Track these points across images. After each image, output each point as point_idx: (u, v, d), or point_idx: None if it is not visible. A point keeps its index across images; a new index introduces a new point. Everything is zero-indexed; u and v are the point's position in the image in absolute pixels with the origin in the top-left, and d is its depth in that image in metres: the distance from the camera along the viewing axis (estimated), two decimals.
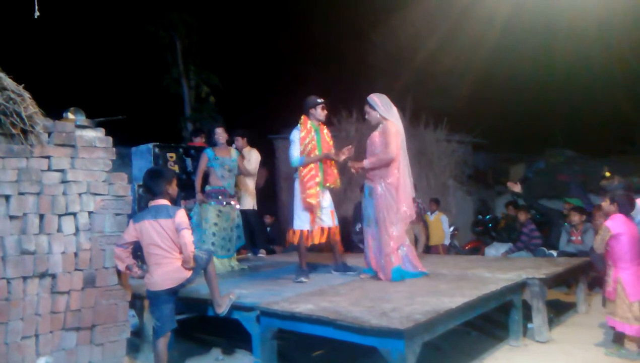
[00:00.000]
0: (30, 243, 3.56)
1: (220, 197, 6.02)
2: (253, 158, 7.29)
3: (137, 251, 3.96)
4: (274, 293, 4.46)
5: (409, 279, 4.90)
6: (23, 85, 3.62)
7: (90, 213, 3.90)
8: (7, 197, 3.50)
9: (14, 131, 3.50)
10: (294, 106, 5.80)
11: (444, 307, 3.65)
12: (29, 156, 3.62)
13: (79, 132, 3.93)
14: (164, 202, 3.88)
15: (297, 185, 5.33)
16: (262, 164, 7.61)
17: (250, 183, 7.26)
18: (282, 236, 9.25)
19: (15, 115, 3.49)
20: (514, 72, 13.90)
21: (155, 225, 3.76)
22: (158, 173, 4.11)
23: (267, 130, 12.43)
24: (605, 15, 12.13)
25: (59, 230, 3.73)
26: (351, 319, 3.43)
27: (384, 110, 5.11)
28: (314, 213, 5.23)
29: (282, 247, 8.73)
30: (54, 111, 3.98)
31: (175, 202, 4.16)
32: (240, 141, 7.29)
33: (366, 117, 5.28)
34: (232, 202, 6.15)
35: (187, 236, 3.77)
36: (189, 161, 7.14)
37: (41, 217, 3.65)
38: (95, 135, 4.01)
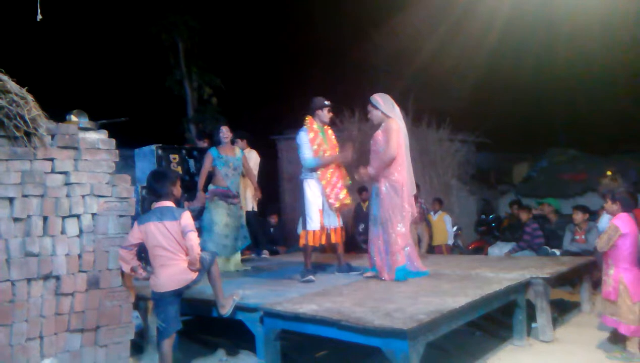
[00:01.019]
0: (34, 245, 3.57)
1: (226, 197, 6.02)
2: (253, 159, 7.30)
3: (141, 253, 3.97)
4: (277, 294, 4.46)
5: (412, 279, 4.90)
6: (26, 87, 3.63)
7: (93, 215, 3.90)
8: (11, 200, 3.51)
9: (17, 134, 3.51)
10: (296, 107, 5.81)
11: (447, 307, 3.65)
12: (32, 158, 3.63)
13: (82, 135, 3.93)
14: (168, 203, 3.89)
15: (306, 186, 5.30)
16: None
17: (250, 185, 7.27)
18: (285, 236, 9.27)
19: (18, 118, 3.49)
20: (516, 71, 13.90)
21: (160, 227, 3.77)
22: (162, 174, 4.12)
23: (269, 131, 12.46)
24: (607, 13, 12.10)
25: (63, 232, 3.74)
26: (355, 320, 3.43)
27: (387, 108, 5.14)
28: (323, 213, 5.26)
29: (286, 247, 8.74)
30: (57, 113, 3.99)
31: (178, 203, 4.17)
32: (240, 143, 7.29)
33: (369, 116, 5.31)
34: (237, 202, 6.15)
35: (194, 238, 3.78)
36: (191, 162, 7.15)
37: (45, 219, 3.66)
38: (98, 137, 4.02)
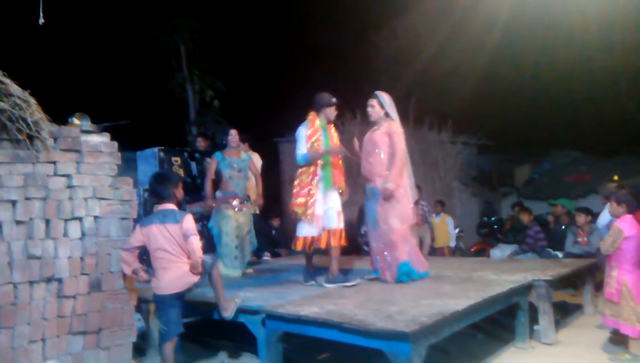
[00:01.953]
0: (37, 248, 3.58)
1: (235, 203, 5.93)
2: (254, 162, 7.28)
3: (143, 255, 3.97)
4: (279, 296, 4.46)
5: (414, 282, 4.89)
6: (29, 91, 3.64)
7: (96, 217, 3.91)
8: (13, 202, 3.51)
9: (20, 137, 3.52)
10: (298, 109, 5.77)
11: (449, 310, 3.65)
12: (35, 161, 3.64)
13: (85, 137, 3.94)
14: (170, 206, 3.90)
15: None
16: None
17: (252, 188, 7.26)
18: (287, 239, 9.25)
19: (21, 121, 3.51)
20: (518, 73, 13.89)
21: (162, 230, 3.78)
22: (165, 177, 4.13)
23: (271, 133, 12.46)
24: (607, 14, 12.11)
25: (65, 234, 3.75)
26: (357, 322, 3.43)
27: (390, 109, 5.10)
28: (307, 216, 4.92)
29: (287, 249, 8.72)
30: (59, 116, 4.00)
31: (180, 205, 4.17)
32: (242, 146, 7.28)
33: (368, 110, 5.12)
34: (244, 209, 6.02)
35: (195, 242, 3.78)
36: (193, 165, 7.16)
37: (47, 221, 3.66)
38: (100, 140, 4.03)
